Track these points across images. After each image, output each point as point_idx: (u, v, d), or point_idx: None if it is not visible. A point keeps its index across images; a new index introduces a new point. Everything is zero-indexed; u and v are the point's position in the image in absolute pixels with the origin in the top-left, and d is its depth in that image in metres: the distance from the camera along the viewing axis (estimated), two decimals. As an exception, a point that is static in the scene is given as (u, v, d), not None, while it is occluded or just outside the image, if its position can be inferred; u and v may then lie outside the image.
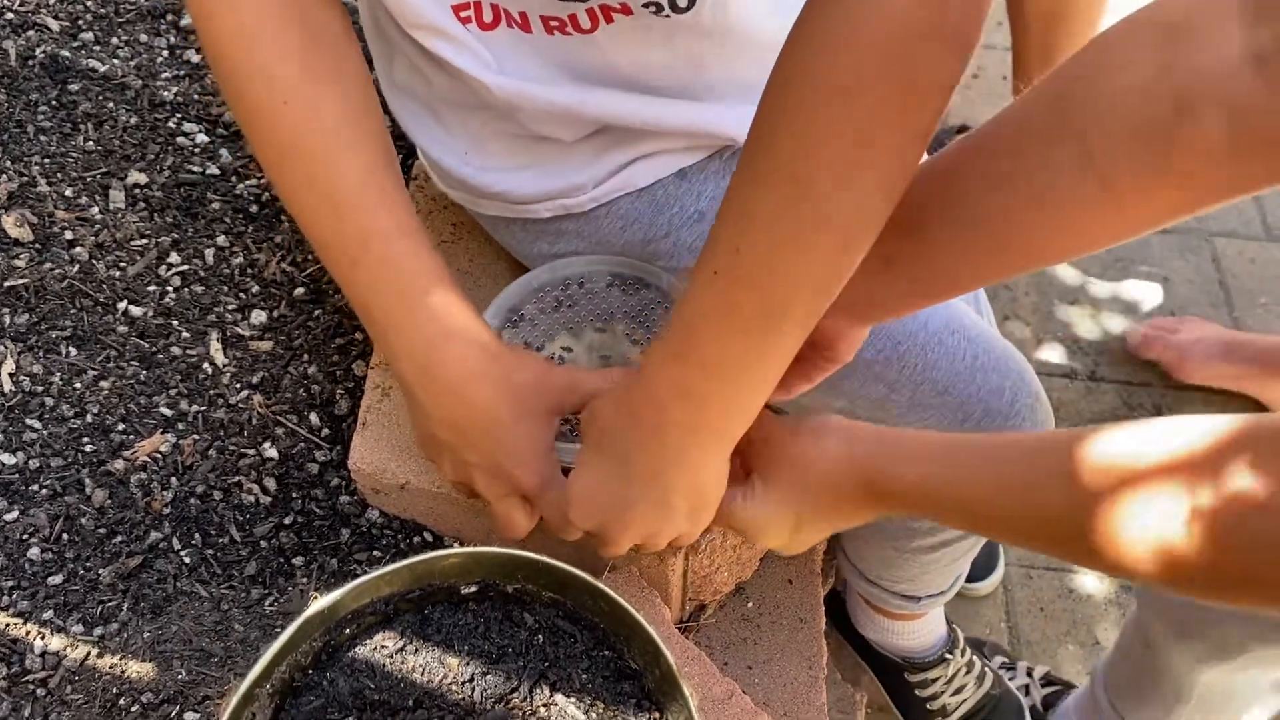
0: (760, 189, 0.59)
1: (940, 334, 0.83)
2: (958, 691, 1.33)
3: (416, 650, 0.58)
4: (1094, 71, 0.54)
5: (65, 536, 0.86)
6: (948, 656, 1.29)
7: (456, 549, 0.58)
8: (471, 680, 0.58)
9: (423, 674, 0.58)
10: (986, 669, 1.35)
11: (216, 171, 1.10)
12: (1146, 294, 1.87)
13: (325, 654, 0.57)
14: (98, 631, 0.82)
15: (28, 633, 0.82)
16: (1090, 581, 1.60)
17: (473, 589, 0.60)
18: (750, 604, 0.95)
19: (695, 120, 0.81)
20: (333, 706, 0.56)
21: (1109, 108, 0.53)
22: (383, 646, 0.58)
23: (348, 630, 0.58)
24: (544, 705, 0.58)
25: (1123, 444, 0.50)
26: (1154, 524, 0.47)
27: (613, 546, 0.70)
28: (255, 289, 1.03)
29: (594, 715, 0.57)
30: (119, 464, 0.89)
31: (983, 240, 0.61)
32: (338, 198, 0.68)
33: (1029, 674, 1.40)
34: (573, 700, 0.57)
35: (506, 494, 0.73)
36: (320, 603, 0.56)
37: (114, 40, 1.18)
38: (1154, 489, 0.47)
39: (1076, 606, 1.58)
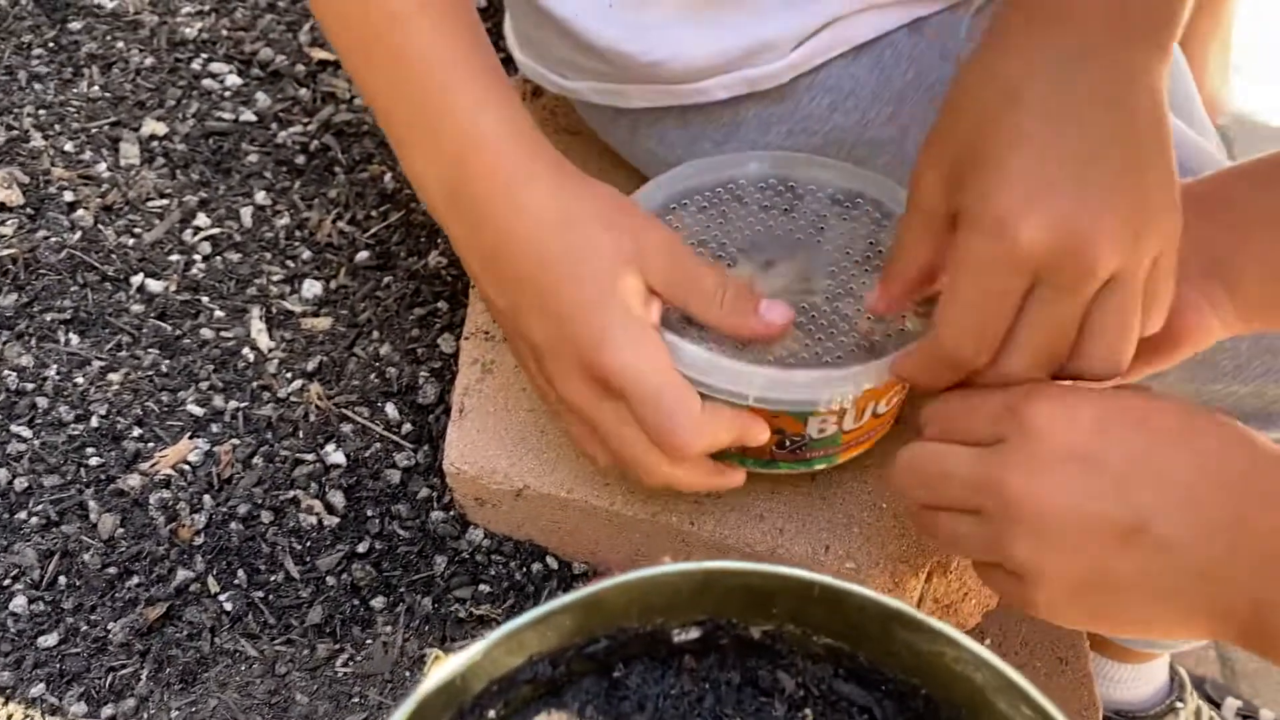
0: None
1: None
2: None
3: (605, 740, 0.34)
4: None
5: (62, 580, 0.63)
6: (1178, 705, 1.03)
7: (670, 564, 0.34)
8: (701, 790, 0.34)
9: (619, 782, 0.34)
10: (1214, 716, 1.09)
11: (252, 118, 0.88)
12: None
13: (455, 753, 0.34)
14: (107, 712, 0.59)
15: (9, 716, 0.58)
16: (1311, 597, 1.33)
17: (692, 634, 0.35)
18: (988, 640, 0.70)
19: None
20: (472, 844, 0.32)
21: None
22: (549, 736, 0.34)
23: (491, 713, 0.34)
24: (827, 831, 0.33)
25: None
26: None
27: (1079, 286, 0.43)
28: (306, 255, 0.80)
29: None
30: (134, 480, 0.66)
31: None
32: None
33: (1277, 725, 1.13)
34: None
35: (591, 391, 0.50)
36: (445, 669, 0.32)
37: (124, -25, 0.97)
38: None
39: (1298, 628, 1.30)
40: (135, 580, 0.63)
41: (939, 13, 0.61)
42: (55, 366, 0.71)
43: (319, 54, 0.93)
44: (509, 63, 0.79)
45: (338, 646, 0.63)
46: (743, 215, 0.60)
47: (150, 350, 0.73)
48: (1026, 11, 0.45)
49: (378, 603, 0.64)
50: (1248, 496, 0.41)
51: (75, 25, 0.91)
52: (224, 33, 0.93)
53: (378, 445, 0.70)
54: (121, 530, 0.65)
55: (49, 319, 0.73)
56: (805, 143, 0.63)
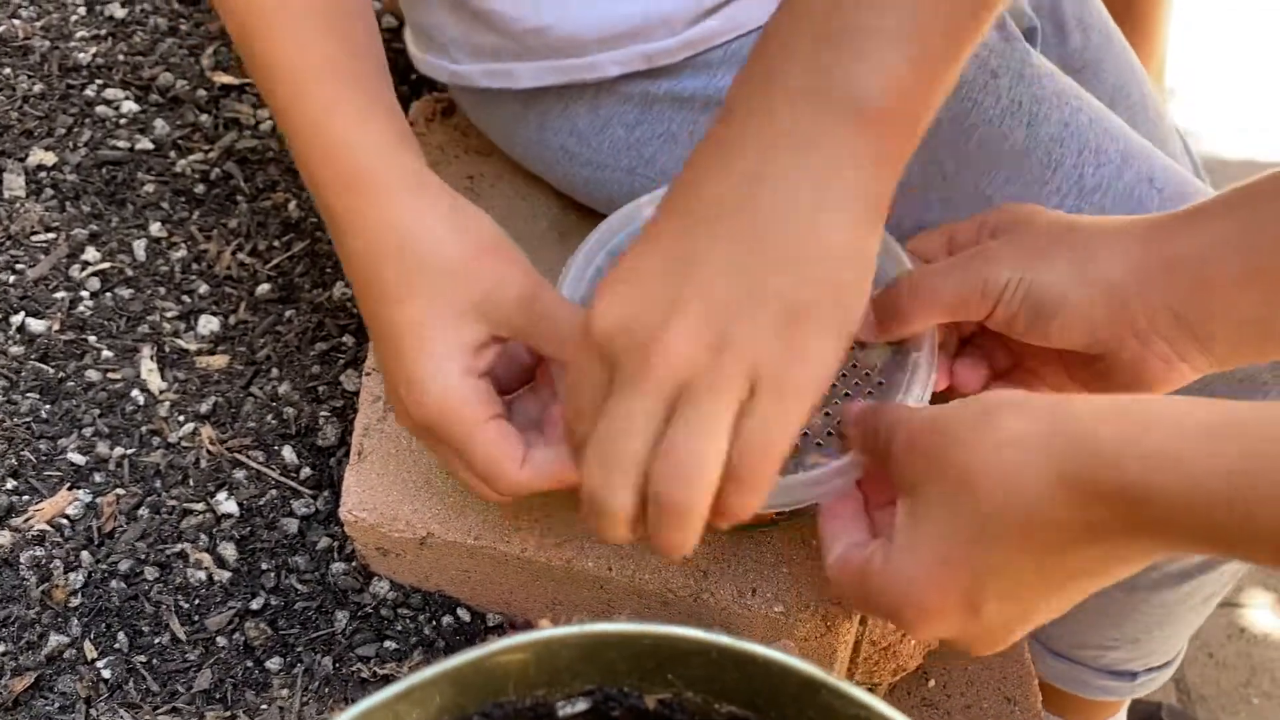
0: None
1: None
2: None
3: (480, 835, 0.30)
4: None
5: (-80, 650, 0.57)
6: None
7: (546, 630, 0.30)
8: None
9: None
10: None
11: (149, 146, 0.83)
12: None
13: None
14: (-35, 797, 0.53)
15: None
16: (1265, 617, 1.31)
17: (579, 707, 0.31)
18: (931, 682, 0.66)
19: None
20: None
21: None
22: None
23: (346, 806, 0.29)
24: None
25: None
26: None
27: (638, 383, 0.39)
28: (203, 289, 0.75)
29: None
30: (3, 537, 0.61)
31: None
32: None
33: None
34: None
35: (415, 422, 0.49)
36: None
37: (15, -1, 0.92)
38: None
39: (1253, 649, 1.28)
40: (1, 648, 0.57)
41: None
42: (-78, 415, 0.65)
43: (222, 78, 0.89)
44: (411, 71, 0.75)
45: (229, 714, 0.58)
46: None
47: (29, 395, 0.67)
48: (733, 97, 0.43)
49: (273, 664, 0.59)
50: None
51: (-42, 51, 0.86)
52: (121, 58, 0.89)
53: (274, 492, 0.65)
54: (-12, 593, 0.59)
55: (-82, 364, 0.68)
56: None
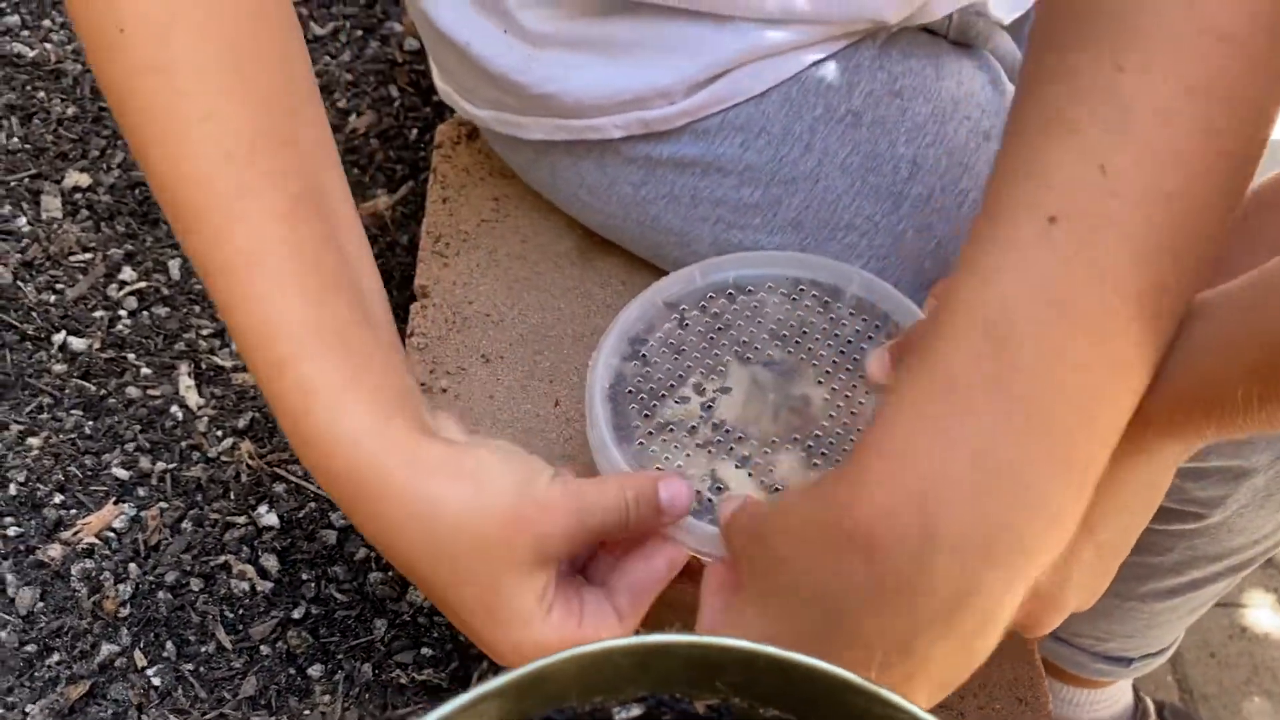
0: None
1: None
2: None
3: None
4: None
5: (-22, 660, 0.59)
6: None
7: (611, 640, 0.32)
8: None
9: None
10: None
11: (180, 167, 0.85)
12: None
13: None
14: (26, 800, 0.56)
15: (-80, 810, 0.55)
16: (1266, 616, 1.33)
17: (634, 712, 0.34)
18: (946, 683, 0.68)
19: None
20: None
21: None
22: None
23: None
24: None
25: None
26: None
27: None
28: (237, 307, 0.77)
29: None
30: (55, 550, 0.63)
31: None
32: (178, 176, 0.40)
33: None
34: None
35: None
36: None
37: (46, 23, 0.94)
38: None
39: (1255, 648, 1.30)
40: (56, 658, 0.60)
41: (843, 50, 0.60)
42: (-29, 432, 0.68)
43: (249, 100, 0.91)
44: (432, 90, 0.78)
45: (273, 717, 0.60)
46: (711, 335, 0.57)
47: (73, 412, 0.70)
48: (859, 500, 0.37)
49: (315, 671, 0.62)
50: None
51: (-7, 75, 0.88)
52: (150, 80, 0.91)
53: (312, 505, 0.67)
54: (41, 604, 0.62)
55: (-35, 382, 0.70)
56: (720, 182, 0.62)
